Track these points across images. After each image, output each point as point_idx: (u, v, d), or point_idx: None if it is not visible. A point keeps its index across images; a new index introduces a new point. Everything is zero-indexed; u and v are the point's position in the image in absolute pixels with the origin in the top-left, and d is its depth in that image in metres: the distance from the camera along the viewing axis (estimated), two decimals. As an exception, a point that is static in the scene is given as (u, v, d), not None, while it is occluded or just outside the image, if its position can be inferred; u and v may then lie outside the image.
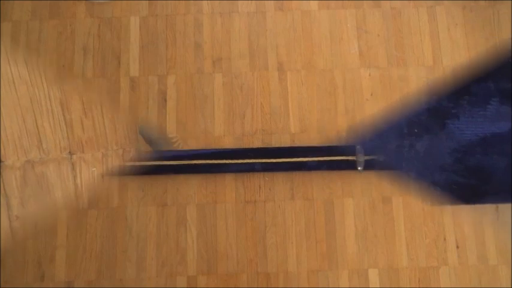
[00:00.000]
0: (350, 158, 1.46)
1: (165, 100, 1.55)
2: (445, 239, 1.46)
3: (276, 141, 1.53)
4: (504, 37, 1.61)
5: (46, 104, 1.22)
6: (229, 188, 1.49)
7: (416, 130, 1.51)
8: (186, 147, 1.52)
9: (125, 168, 1.44)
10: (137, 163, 1.46)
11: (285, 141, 1.53)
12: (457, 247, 1.45)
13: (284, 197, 1.49)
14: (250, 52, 1.60)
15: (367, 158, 1.46)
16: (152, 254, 1.44)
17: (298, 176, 1.50)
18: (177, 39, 1.61)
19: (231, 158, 1.47)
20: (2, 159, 1.11)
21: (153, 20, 1.62)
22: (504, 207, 1.48)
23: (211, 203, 1.48)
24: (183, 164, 1.47)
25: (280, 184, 1.50)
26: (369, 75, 1.58)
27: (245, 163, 1.47)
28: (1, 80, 1.15)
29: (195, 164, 1.47)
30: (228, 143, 1.53)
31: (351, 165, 1.47)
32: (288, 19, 1.62)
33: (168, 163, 1.47)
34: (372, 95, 1.57)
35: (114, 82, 1.57)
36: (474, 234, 1.46)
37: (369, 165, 1.46)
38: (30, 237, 1.45)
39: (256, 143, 1.53)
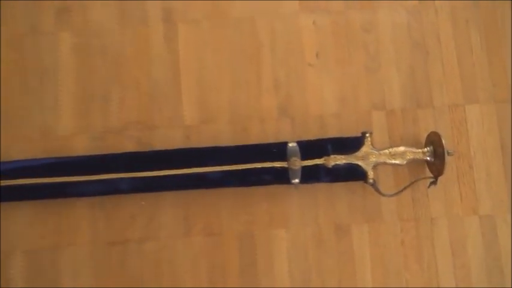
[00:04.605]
0: (279, 164, 0.94)
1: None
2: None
3: (161, 140, 1.05)
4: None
5: None
6: (81, 222, 1.01)
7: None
8: (10, 157, 0.99)
9: None
10: None
11: (175, 140, 1.05)
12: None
13: (174, 232, 1.02)
14: (118, -5, 1.09)
15: (307, 163, 0.93)
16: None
17: (196, 198, 1.01)
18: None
19: (85, 173, 0.97)
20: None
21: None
22: None
23: (51, 248, 1.00)
24: (3, 186, 0.95)
25: (167, 212, 1.02)
26: (313, 23, 1.08)
27: (107, 180, 0.97)
28: None
29: (23, 186, 0.96)
30: (81, 147, 1.04)
31: (280, 176, 0.95)
32: None
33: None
34: (317, 56, 1.08)
35: None
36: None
37: (310, 175, 0.94)
38: None
39: (128, 145, 1.04)
